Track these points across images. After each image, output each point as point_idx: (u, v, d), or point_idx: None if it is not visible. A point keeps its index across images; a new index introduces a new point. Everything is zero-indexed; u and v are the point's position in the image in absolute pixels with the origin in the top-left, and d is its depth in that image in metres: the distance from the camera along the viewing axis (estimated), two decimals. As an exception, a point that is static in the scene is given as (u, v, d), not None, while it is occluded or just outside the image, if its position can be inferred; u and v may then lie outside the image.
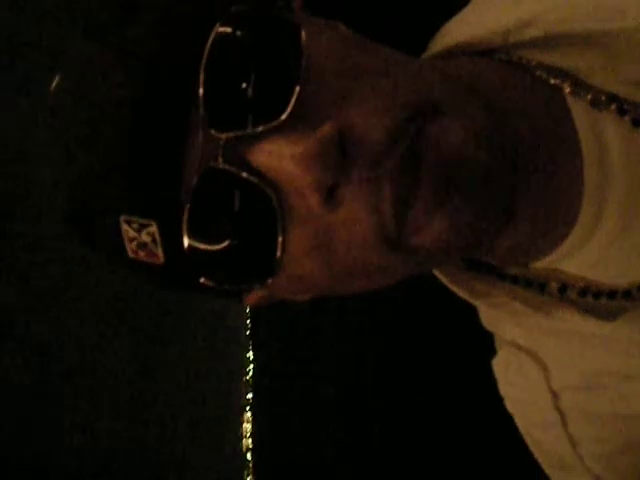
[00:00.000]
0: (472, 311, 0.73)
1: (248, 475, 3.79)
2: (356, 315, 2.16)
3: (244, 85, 0.52)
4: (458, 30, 0.67)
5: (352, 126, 0.52)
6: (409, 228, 0.54)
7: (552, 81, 0.63)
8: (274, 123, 0.52)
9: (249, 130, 0.52)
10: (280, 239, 0.54)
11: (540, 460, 0.74)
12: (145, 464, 3.25)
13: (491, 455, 1.54)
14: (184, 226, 0.53)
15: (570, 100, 0.63)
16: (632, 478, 0.68)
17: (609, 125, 0.61)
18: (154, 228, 0.54)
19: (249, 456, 3.80)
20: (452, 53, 0.66)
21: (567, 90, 0.63)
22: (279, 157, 0.52)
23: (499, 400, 0.75)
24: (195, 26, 0.54)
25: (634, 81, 0.62)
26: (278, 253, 0.54)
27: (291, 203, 0.53)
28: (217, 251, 0.55)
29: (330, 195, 0.52)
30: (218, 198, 0.53)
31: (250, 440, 3.80)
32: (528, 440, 0.74)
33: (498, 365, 0.74)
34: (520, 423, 0.74)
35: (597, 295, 0.64)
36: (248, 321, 3.69)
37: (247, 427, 3.79)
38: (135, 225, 0.54)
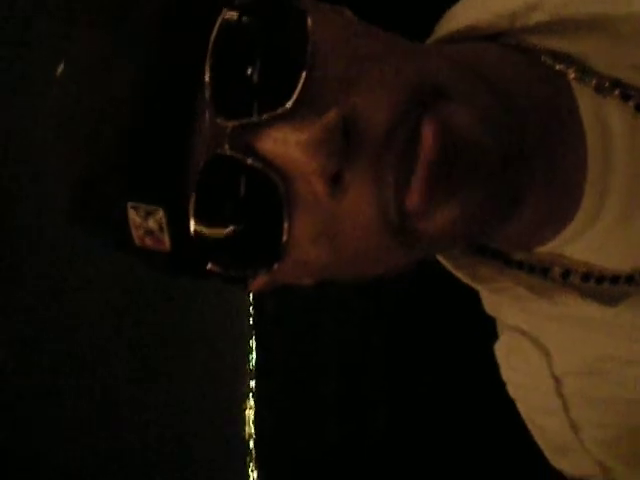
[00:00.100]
0: (474, 296, 0.73)
1: (251, 462, 3.81)
2: (359, 302, 2.16)
3: (250, 72, 0.53)
4: (464, 14, 0.67)
5: (357, 112, 0.52)
6: (413, 215, 0.54)
7: (557, 66, 0.63)
8: (280, 110, 0.52)
9: (255, 117, 0.52)
10: (286, 225, 0.54)
11: (542, 445, 0.75)
12: (147, 452, 3.27)
13: (493, 440, 1.54)
14: (191, 212, 0.54)
15: (575, 86, 0.63)
16: (634, 463, 0.68)
17: (613, 111, 0.62)
18: (161, 215, 0.54)
19: (251, 443, 3.82)
20: (458, 37, 0.66)
21: (572, 76, 0.63)
22: (285, 144, 0.52)
23: (501, 385, 0.75)
24: (201, 12, 0.54)
25: (639, 66, 0.62)
26: (284, 239, 0.55)
27: (297, 189, 0.54)
28: (223, 237, 0.55)
29: (335, 181, 0.53)
30: (224, 185, 0.54)
31: (253, 427, 3.81)
32: (530, 425, 0.75)
33: (500, 350, 0.74)
34: (522, 408, 0.75)
35: (600, 280, 0.64)
36: (251, 309, 3.70)
37: (250, 414, 3.80)
38: (142, 212, 0.55)
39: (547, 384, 0.69)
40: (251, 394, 3.79)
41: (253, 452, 3.82)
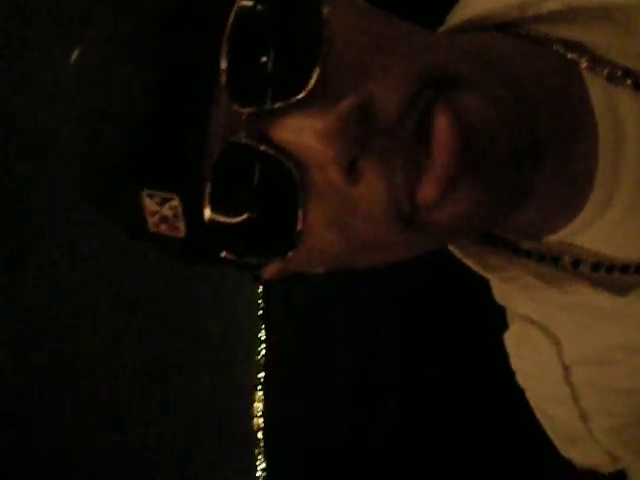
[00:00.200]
0: (484, 285, 0.74)
1: (259, 454, 3.82)
2: (368, 293, 2.17)
3: (266, 59, 0.53)
4: (475, 3, 0.66)
5: (371, 100, 0.53)
6: (424, 206, 0.54)
7: (569, 55, 0.63)
8: (296, 98, 0.52)
9: (271, 105, 0.53)
10: (300, 213, 0.55)
11: (551, 434, 0.75)
12: (156, 444, 3.28)
13: (502, 430, 1.54)
14: (206, 200, 0.54)
15: (586, 75, 0.63)
16: None
17: (625, 100, 0.61)
18: (176, 202, 0.55)
19: (260, 435, 3.83)
20: (469, 27, 0.66)
21: (584, 65, 0.63)
22: (300, 132, 0.53)
23: (510, 374, 0.75)
24: (218, 0, 0.55)
25: None
26: (299, 226, 0.55)
27: (312, 177, 0.54)
28: (238, 224, 0.55)
29: (351, 169, 0.53)
30: (240, 172, 0.54)
31: (261, 419, 3.82)
32: (539, 414, 0.75)
33: (510, 339, 0.74)
34: (531, 397, 0.75)
35: (610, 269, 0.64)
36: (260, 301, 3.70)
37: (258, 406, 3.81)
38: (157, 199, 0.55)
39: (556, 373, 0.69)
40: (260, 386, 3.80)
41: (261, 443, 3.83)
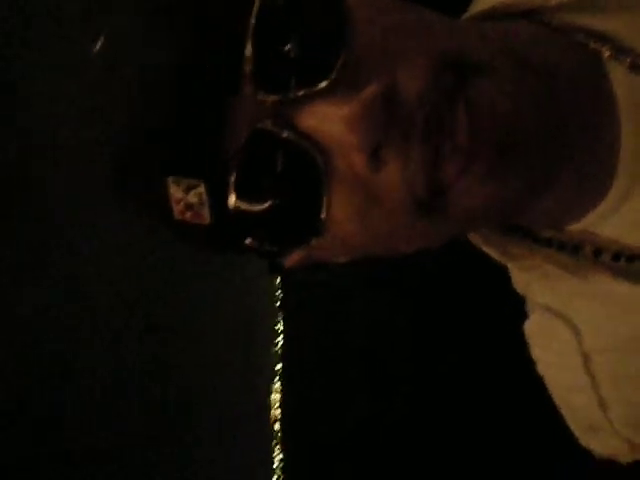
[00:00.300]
0: (503, 275, 0.74)
1: (276, 445, 3.83)
2: (386, 285, 2.17)
3: (291, 47, 0.53)
4: None
5: (394, 86, 0.53)
6: (444, 182, 0.54)
7: (592, 45, 0.63)
8: (320, 86, 0.53)
9: (296, 92, 0.53)
10: (325, 200, 0.55)
11: (571, 424, 0.75)
12: (171, 434, 3.29)
13: (520, 421, 1.54)
14: (231, 187, 0.55)
15: (609, 64, 0.62)
16: None
17: None
18: (202, 189, 0.55)
19: (277, 426, 3.84)
20: (492, 15, 0.66)
21: (606, 54, 0.62)
22: (325, 119, 0.53)
23: (530, 363, 0.75)
24: None
25: None
26: (323, 214, 0.55)
27: (336, 165, 0.55)
28: (263, 212, 0.56)
29: (374, 156, 0.53)
30: (265, 159, 0.54)
31: (278, 411, 3.83)
32: (559, 403, 0.75)
33: (530, 329, 0.74)
34: (551, 387, 0.75)
35: (631, 259, 0.64)
36: (278, 293, 3.71)
37: (276, 398, 3.83)
38: (183, 186, 0.56)
39: (576, 362, 0.69)
40: (277, 377, 3.81)
41: (279, 435, 3.84)
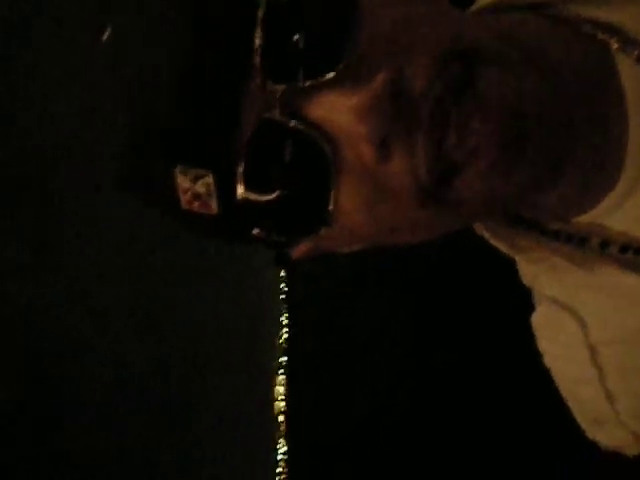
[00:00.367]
0: (509, 267, 0.74)
1: (280, 437, 3.83)
2: (390, 277, 2.17)
3: (299, 37, 0.53)
4: None
5: (402, 77, 0.53)
6: (450, 183, 0.54)
7: (600, 36, 0.63)
8: (329, 76, 0.53)
9: (304, 82, 0.53)
10: (333, 190, 0.55)
11: (578, 417, 0.75)
12: (175, 425, 3.29)
13: (527, 411, 1.54)
14: (239, 177, 0.55)
15: (617, 55, 0.62)
16: None
17: None
18: (210, 179, 0.55)
19: (281, 418, 3.84)
20: (500, 6, 0.66)
21: (615, 46, 0.62)
22: (334, 110, 0.53)
23: (537, 356, 0.75)
24: None
25: None
26: (331, 204, 0.55)
27: (344, 155, 0.55)
28: (270, 202, 0.56)
29: (382, 146, 0.53)
30: (273, 149, 0.55)
31: (283, 403, 3.84)
32: (566, 396, 0.75)
33: (537, 321, 0.74)
34: (558, 380, 0.75)
35: (638, 251, 0.64)
36: (282, 285, 3.71)
37: (280, 390, 3.83)
38: (190, 176, 0.56)
39: (583, 354, 0.69)
40: (281, 370, 3.82)
41: (282, 427, 3.84)
